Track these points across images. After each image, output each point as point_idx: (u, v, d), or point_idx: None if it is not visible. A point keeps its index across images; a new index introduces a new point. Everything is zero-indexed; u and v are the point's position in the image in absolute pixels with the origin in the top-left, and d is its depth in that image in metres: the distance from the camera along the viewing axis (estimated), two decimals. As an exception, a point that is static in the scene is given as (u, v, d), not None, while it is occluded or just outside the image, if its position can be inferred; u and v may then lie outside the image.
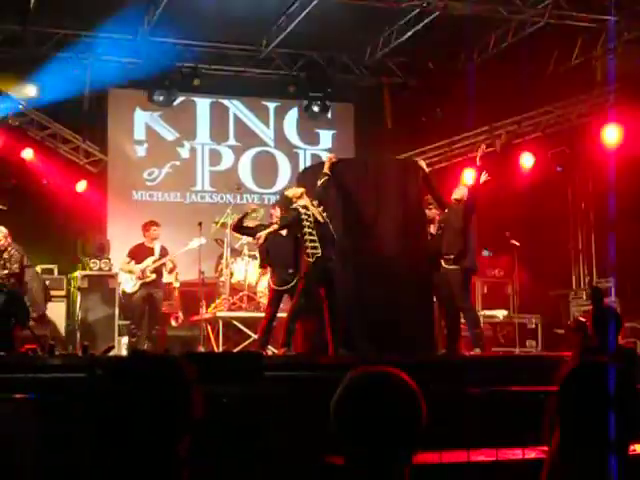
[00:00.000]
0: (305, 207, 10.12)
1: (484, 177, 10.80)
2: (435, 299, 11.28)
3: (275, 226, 10.97)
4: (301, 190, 10.40)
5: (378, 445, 2.29)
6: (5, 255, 11.65)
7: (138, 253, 12.58)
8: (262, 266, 12.14)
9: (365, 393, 2.33)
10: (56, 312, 13.32)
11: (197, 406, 2.20)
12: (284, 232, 10.97)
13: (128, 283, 12.70)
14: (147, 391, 2.15)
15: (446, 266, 10.81)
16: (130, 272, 12.53)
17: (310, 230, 10.05)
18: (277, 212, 11.39)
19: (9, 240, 11.72)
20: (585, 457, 2.45)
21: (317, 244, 10.00)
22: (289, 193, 10.59)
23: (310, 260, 9.97)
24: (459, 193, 11.05)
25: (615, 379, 2.47)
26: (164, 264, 12.61)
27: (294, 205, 10.23)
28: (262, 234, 11.07)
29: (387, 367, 2.40)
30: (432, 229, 11.46)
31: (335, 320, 10.11)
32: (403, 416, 2.32)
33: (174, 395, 2.16)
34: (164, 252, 12.63)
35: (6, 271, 11.60)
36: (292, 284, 10.59)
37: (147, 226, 12.70)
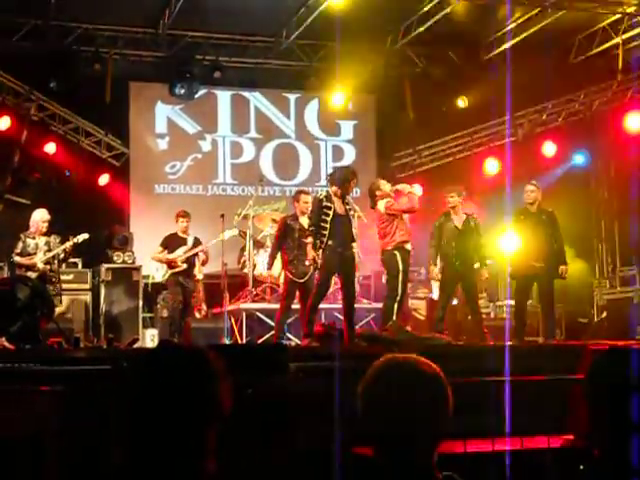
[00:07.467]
0: (328, 198, 10.11)
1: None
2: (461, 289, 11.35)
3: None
4: (334, 189, 10.28)
5: (406, 431, 2.30)
6: (50, 239, 11.73)
7: (171, 242, 12.42)
8: (271, 256, 12.02)
9: (393, 379, 2.35)
10: (80, 305, 13.38)
11: (225, 398, 2.22)
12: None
13: (158, 272, 12.65)
14: (176, 382, 2.16)
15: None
16: (159, 261, 12.45)
17: (324, 224, 10.04)
18: (299, 205, 11.34)
19: None
20: (615, 442, 2.44)
21: (324, 239, 9.97)
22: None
23: (316, 251, 9.98)
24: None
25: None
26: (197, 255, 12.45)
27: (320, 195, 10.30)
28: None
29: (414, 354, 2.41)
30: (455, 221, 11.36)
31: (352, 310, 10.17)
32: (431, 402, 2.33)
33: (203, 386, 2.18)
34: (197, 243, 12.55)
35: (62, 249, 11.68)
36: (309, 275, 10.66)
37: (176, 217, 12.57)
